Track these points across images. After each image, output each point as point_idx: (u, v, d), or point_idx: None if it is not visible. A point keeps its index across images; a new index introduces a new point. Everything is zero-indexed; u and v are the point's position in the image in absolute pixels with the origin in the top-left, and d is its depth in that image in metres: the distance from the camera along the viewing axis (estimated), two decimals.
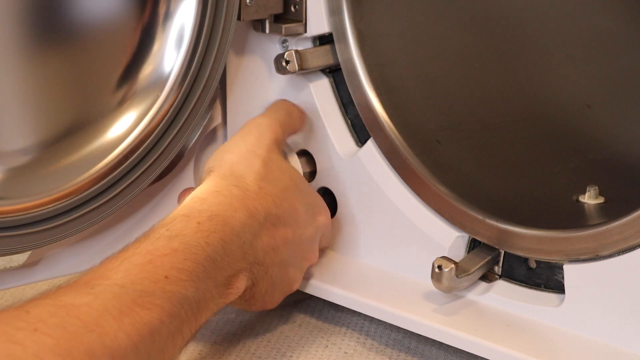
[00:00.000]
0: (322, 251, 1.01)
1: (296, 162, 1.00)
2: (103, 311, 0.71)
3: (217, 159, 0.91)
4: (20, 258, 0.90)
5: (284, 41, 1.01)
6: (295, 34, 1.00)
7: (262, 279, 0.88)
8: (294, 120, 0.97)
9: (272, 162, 0.92)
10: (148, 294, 0.74)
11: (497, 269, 0.93)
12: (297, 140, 1.02)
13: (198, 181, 0.99)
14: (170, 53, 0.94)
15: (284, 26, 0.99)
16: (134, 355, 0.71)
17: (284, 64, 0.97)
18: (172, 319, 0.75)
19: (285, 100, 1.00)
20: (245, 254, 0.85)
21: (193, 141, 1.01)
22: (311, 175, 1.03)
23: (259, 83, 1.04)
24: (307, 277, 0.98)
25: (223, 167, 0.90)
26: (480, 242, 0.92)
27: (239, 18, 0.97)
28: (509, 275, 0.92)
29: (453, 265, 0.88)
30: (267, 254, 0.88)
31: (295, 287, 0.95)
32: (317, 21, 0.99)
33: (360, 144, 1.00)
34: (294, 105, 0.99)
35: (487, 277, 0.93)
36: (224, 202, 0.85)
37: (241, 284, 0.85)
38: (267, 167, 0.91)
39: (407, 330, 0.93)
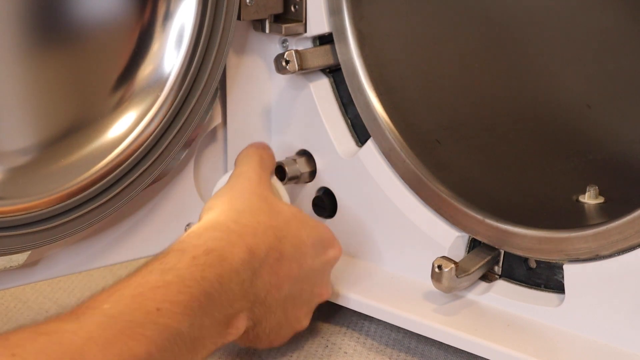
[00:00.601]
0: None
1: (285, 196, 0.97)
2: (87, 339, 0.68)
3: (214, 199, 0.89)
4: (20, 258, 0.90)
5: (284, 41, 1.01)
6: (295, 34, 1.00)
7: (264, 319, 0.85)
8: (266, 162, 0.94)
9: (269, 199, 0.89)
10: (138, 324, 0.71)
11: (497, 269, 0.93)
12: (297, 140, 1.03)
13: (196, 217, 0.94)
14: (170, 53, 0.94)
15: (284, 26, 0.99)
16: None
17: (284, 64, 0.97)
18: (162, 353, 0.71)
19: (250, 146, 0.96)
20: (246, 292, 0.81)
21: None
22: (311, 175, 1.03)
23: (259, 83, 1.04)
24: None
25: (221, 205, 0.87)
26: (480, 242, 0.92)
27: (239, 18, 0.97)
28: (509, 275, 0.92)
29: (453, 265, 0.88)
30: (269, 292, 0.84)
31: (305, 324, 0.91)
32: (317, 21, 0.99)
33: (360, 144, 1.00)
34: (260, 147, 0.96)
35: (487, 277, 0.93)
36: (221, 237, 0.82)
37: (241, 324, 0.81)
38: (266, 202, 0.88)
39: (407, 330, 0.93)
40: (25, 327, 0.68)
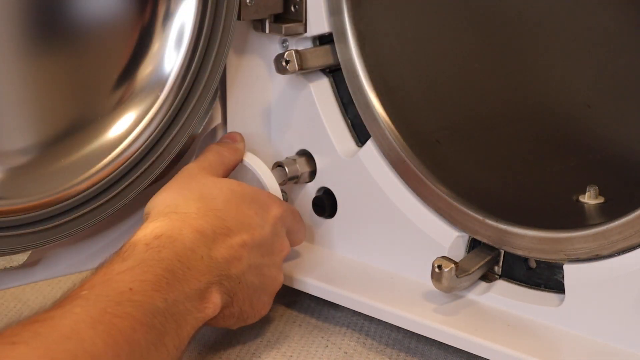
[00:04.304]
0: (305, 245, 1.02)
1: (270, 179, 1.00)
2: (76, 321, 0.72)
3: (151, 203, 0.92)
4: (20, 258, 0.90)
5: (284, 41, 1.01)
6: (295, 34, 1.00)
7: (239, 290, 0.89)
8: (225, 158, 0.98)
9: (206, 186, 0.92)
10: (116, 303, 0.76)
11: (497, 269, 0.93)
12: (297, 140, 1.03)
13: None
14: (170, 53, 0.94)
15: (284, 26, 0.99)
16: None
17: (284, 64, 0.97)
18: (147, 329, 0.76)
19: (214, 143, 1.00)
20: (209, 267, 0.85)
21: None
22: (311, 175, 1.03)
23: (259, 83, 1.04)
24: (307, 276, 0.98)
25: (157, 207, 0.90)
26: (480, 242, 0.92)
27: (239, 18, 0.97)
28: (509, 275, 0.92)
29: (453, 265, 0.88)
30: (230, 264, 0.88)
31: (279, 281, 0.94)
32: (317, 21, 0.99)
33: (360, 144, 1.00)
34: (221, 144, 1.00)
35: (487, 277, 0.93)
36: (167, 226, 0.86)
37: (216, 298, 0.85)
38: (200, 191, 0.91)
39: (407, 330, 0.93)
40: (15, 323, 0.72)
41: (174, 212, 0.88)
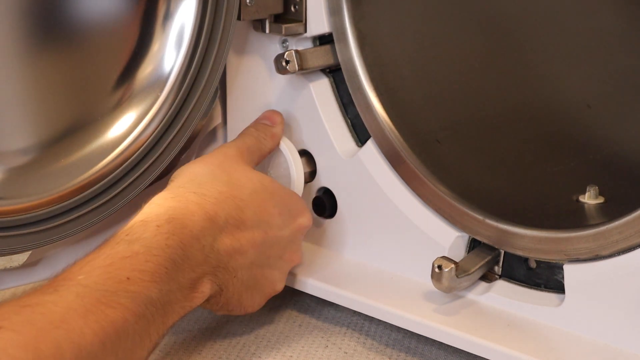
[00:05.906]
0: (305, 245, 1.02)
1: (299, 166, 1.00)
2: (68, 309, 0.72)
3: (179, 171, 0.92)
4: (20, 258, 0.90)
5: (284, 41, 1.01)
6: (295, 34, 1.00)
7: (230, 284, 0.88)
8: (262, 144, 0.98)
9: (237, 172, 0.91)
10: (111, 293, 0.75)
11: (497, 269, 0.93)
12: (297, 140, 1.03)
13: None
14: (170, 53, 0.94)
15: (284, 26, 0.99)
16: (101, 353, 0.72)
17: (284, 64, 0.97)
18: (137, 318, 0.76)
19: (253, 125, 1.00)
20: (207, 257, 0.85)
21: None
22: (311, 175, 1.03)
23: (259, 83, 1.04)
24: (307, 277, 0.98)
25: (183, 177, 0.90)
26: (480, 242, 0.92)
27: (239, 18, 0.97)
28: (509, 275, 0.92)
29: (453, 265, 0.88)
30: (231, 257, 0.87)
31: (278, 288, 0.94)
32: (317, 21, 0.99)
33: (360, 144, 1.00)
34: (260, 128, 0.99)
35: (487, 277, 0.93)
36: (181, 207, 0.85)
37: (205, 287, 0.85)
38: (230, 175, 0.91)
39: (407, 330, 0.93)
40: (8, 301, 0.72)
41: (194, 191, 0.88)
